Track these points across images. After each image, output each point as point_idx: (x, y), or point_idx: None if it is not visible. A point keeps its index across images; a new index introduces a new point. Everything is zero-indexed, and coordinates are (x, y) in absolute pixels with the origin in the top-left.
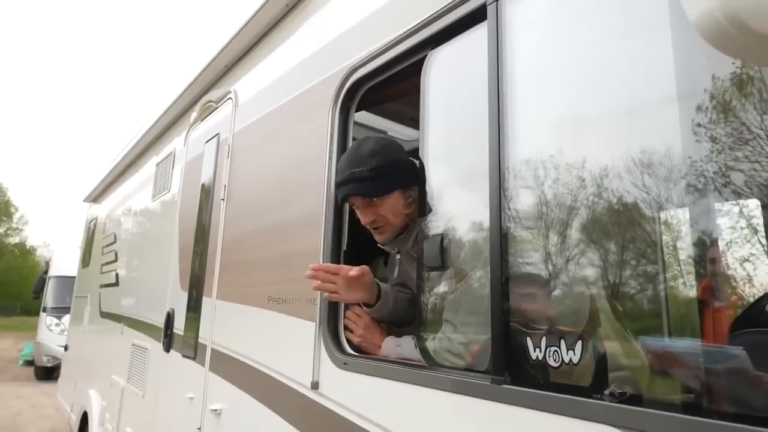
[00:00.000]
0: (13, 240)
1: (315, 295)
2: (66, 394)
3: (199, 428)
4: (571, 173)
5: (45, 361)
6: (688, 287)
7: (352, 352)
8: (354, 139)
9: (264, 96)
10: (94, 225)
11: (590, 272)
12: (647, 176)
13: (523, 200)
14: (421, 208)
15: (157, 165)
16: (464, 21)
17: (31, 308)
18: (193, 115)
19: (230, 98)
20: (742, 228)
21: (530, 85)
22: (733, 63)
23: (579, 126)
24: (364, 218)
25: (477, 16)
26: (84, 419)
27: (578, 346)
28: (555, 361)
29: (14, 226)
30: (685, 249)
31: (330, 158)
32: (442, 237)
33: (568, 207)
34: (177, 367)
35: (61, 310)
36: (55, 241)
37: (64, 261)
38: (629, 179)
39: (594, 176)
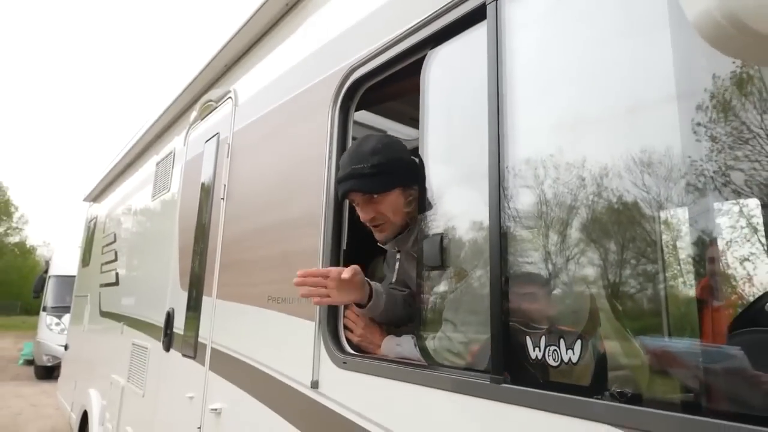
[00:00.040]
0: (13, 239)
1: None
2: (66, 393)
3: (199, 427)
4: (570, 173)
5: (45, 361)
6: (687, 286)
7: (352, 352)
8: (354, 138)
9: (264, 95)
10: (94, 224)
11: (590, 272)
12: (647, 175)
13: (522, 199)
14: (421, 207)
15: (157, 164)
16: (464, 20)
17: (31, 307)
18: (193, 114)
19: (230, 97)
20: (741, 227)
21: (530, 85)
22: (733, 63)
23: (579, 125)
24: (364, 215)
25: (476, 16)
26: (84, 418)
27: (577, 345)
28: (554, 360)
29: (14, 225)
30: (685, 248)
31: (330, 157)
32: (442, 236)
33: (567, 206)
34: (177, 367)
35: (61, 310)
36: (55, 241)
37: (64, 260)
38: (629, 178)
39: (594, 175)
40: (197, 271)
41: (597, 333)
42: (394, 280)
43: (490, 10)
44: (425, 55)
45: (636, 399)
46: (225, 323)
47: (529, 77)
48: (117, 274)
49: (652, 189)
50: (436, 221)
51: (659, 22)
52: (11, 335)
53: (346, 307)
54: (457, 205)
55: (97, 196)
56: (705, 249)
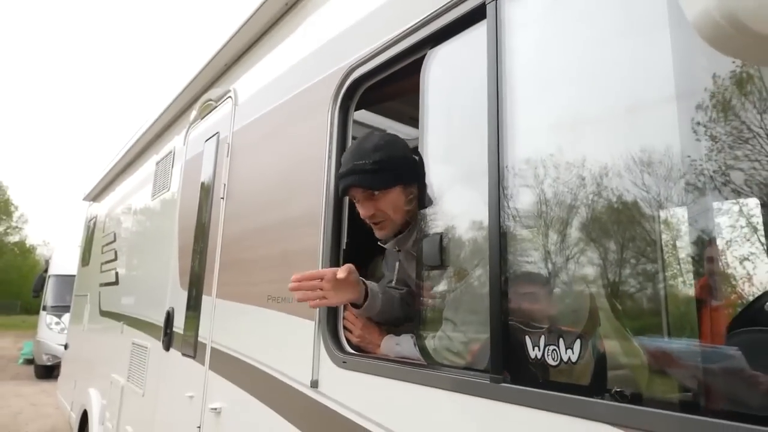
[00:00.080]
0: (13, 239)
1: None
2: (66, 392)
3: (199, 427)
4: (570, 172)
5: (45, 360)
6: (687, 286)
7: (352, 351)
8: (354, 138)
9: (263, 95)
10: (94, 223)
11: (589, 271)
12: (646, 175)
13: (522, 199)
14: (421, 206)
15: (157, 164)
16: (463, 20)
17: (31, 307)
18: (193, 113)
19: (230, 97)
20: (741, 227)
21: (529, 84)
22: (732, 62)
23: (578, 125)
24: (363, 211)
25: (476, 15)
26: (84, 418)
27: (577, 345)
28: (554, 360)
29: (14, 224)
30: (685, 248)
31: (329, 157)
32: (441, 236)
33: (567, 206)
34: (177, 366)
35: (60, 309)
36: (54, 240)
37: (63, 259)
38: (628, 178)
39: (593, 175)
40: (197, 271)
41: (596, 332)
42: (394, 279)
43: (489, 10)
44: (425, 55)
45: (635, 398)
46: (225, 322)
47: (529, 77)
48: (117, 273)
49: (651, 188)
50: (436, 220)
51: (658, 21)
52: (11, 334)
53: (345, 307)
54: (456, 205)
55: (96, 195)
56: (704, 248)
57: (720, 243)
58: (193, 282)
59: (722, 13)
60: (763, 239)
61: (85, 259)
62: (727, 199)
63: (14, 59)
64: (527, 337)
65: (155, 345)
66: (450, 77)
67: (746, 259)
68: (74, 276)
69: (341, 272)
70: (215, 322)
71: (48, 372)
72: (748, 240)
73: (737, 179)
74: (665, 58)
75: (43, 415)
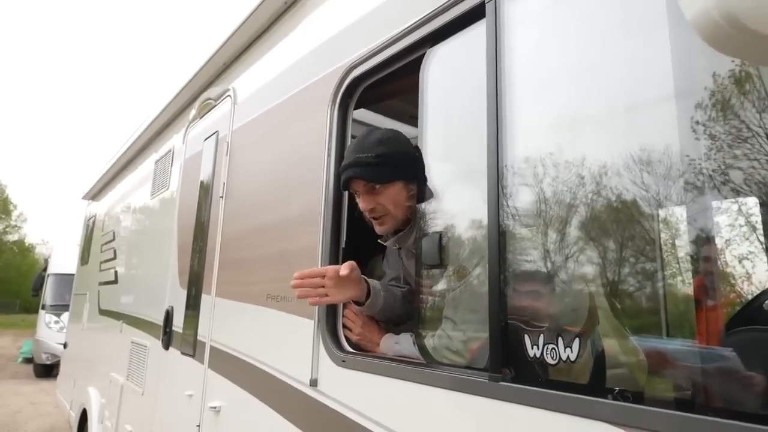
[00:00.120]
0: (12, 237)
1: None
2: (65, 391)
3: (198, 425)
4: (569, 171)
5: (44, 359)
6: (686, 285)
7: (351, 350)
8: (353, 136)
9: (263, 93)
10: (93, 222)
11: (588, 270)
12: (645, 174)
13: (521, 198)
14: (422, 203)
15: (156, 162)
16: (463, 18)
17: (30, 306)
18: (192, 112)
19: (229, 95)
20: (740, 226)
21: (528, 83)
22: (732, 62)
23: (577, 124)
24: (364, 205)
25: (476, 14)
26: (83, 416)
27: (576, 343)
28: (553, 358)
29: (13, 223)
30: (684, 247)
31: (329, 155)
32: (441, 234)
33: (566, 205)
34: (176, 365)
35: (60, 308)
36: (53, 239)
37: (63, 258)
38: (628, 177)
39: (592, 174)
40: (196, 269)
41: (595, 331)
42: (402, 278)
43: (489, 9)
44: (424, 54)
45: (634, 397)
46: (224, 321)
47: (528, 75)
48: (116, 272)
49: (650, 187)
50: (435, 219)
51: (658, 21)
52: (10, 333)
53: (344, 305)
54: (456, 204)
55: (96, 194)
56: (703, 247)
57: (719, 242)
58: (193, 281)
59: (721, 12)
60: (761, 238)
61: (84, 257)
62: (726, 198)
63: (14, 58)
64: (526, 336)
65: (154, 344)
66: (449, 76)
67: (745, 257)
68: (73, 275)
69: (344, 269)
70: (214, 320)
71: (47, 371)
72: (747, 239)
73: (736, 178)
74: (664, 58)
75: (42, 413)
